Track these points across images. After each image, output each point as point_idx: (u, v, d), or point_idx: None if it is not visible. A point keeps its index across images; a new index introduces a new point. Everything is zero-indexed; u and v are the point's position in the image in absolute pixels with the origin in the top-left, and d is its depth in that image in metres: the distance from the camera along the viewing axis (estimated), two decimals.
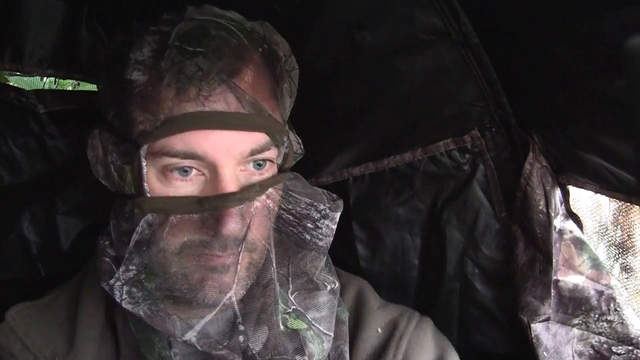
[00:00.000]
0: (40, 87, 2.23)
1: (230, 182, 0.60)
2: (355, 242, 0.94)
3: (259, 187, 0.63)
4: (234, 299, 0.62)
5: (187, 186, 0.61)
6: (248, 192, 0.61)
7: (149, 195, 0.61)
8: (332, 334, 0.69)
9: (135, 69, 0.61)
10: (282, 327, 0.64)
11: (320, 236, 0.69)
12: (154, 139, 0.59)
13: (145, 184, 0.61)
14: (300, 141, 0.75)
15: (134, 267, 0.62)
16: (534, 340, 0.80)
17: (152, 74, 0.60)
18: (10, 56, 0.81)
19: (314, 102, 0.89)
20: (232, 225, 0.60)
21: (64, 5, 0.83)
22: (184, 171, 0.60)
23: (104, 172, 0.67)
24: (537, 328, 0.80)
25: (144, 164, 0.60)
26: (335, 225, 0.70)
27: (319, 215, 0.69)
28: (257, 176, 0.64)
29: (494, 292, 0.87)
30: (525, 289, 0.82)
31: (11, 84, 1.08)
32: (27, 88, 0.90)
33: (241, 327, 0.62)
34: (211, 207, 0.59)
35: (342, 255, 0.94)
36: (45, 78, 2.37)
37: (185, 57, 0.59)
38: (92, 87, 0.97)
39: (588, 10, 0.55)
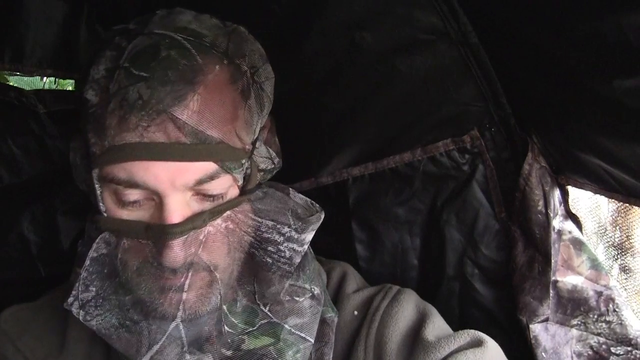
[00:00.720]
0: (40, 87, 2.23)
1: (174, 212, 0.59)
2: (355, 242, 0.94)
3: (209, 214, 0.61)
4: (181, 325, 0.61)
5: (138, 210, 0.61)
6: (193, 222, 0.59)
7: (105, 215, 0.61)
8: (312, 339, 0.67)
9: (90, 87, 0.60)
10: (229, 352, 0.63)
11: (283, 260, 0.67)
12: (101, 165, 0.59)
13: (101, 204, 0.61)
14: (272, 156, 0.70)
15: (94, 289, 0.63)
16: (533, 341, 0.80)
17: (103, 97, 0.59)
18: (10, 56, 0.81)
19: (314, 102, 0.89)
20: (171, 256, 0.58)
21: (64, 5, 0.83)
22: (132, 196, 0.60)
23: (79, 179, 0.67)
24: (536, 329, 0.80)
25: (97, 185, 0.61)
26: (304, 246, 0.68)
27: (282, 238, 0.67)
28: (210, 202, 0.62)
29: (493, 293, 0.87)
30: (524, 290, 0.82)
31: (11, 84, 1.08)
32: (27, 88, 0.90)
33: (187, 357, 0.62)
34: (154, 236, 0.59)
35: (341, 255, 0.94)
36: (45, 78, 2.37)
37: (130, 81, 0.57)
38: None
39: (587, 11, 0.55)
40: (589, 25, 0.56)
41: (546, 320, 0.80)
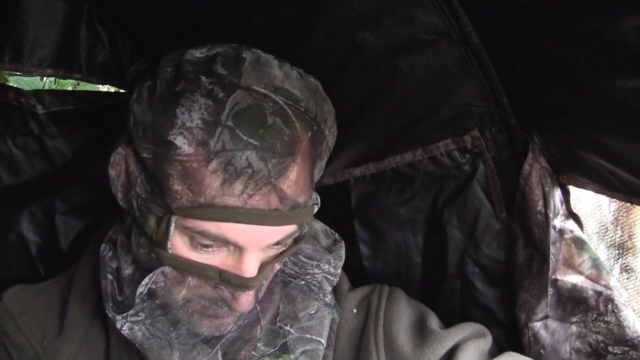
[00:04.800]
0: (40, 87, 2.23)
1: (252, 267, 0.63)
2: (358, 242, 0.95)
3: (274, 262, 0.66)
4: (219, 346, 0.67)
5: (208, 254, 0.63)
6: (265, 272, 0.64)
7: (170, 251, 0.62)
8: (324, 342, 0.72)
9: (181, 133, 0.58)
10: None
11: (315, 282, 0.74)
12: (189, 217, 0.60)
13: (169, 242, 0.62)
14: (318, 199, 0.73)
15: (142, 315, 0.65)
16: (532, 339, 0.80)
17: (199, 150, 0.58)
18: (10, 56, 0.81)
19: None
20: (246, 305, 0.64)
21: (64, 5, 0.83)
22: (210, 244, 0.62)
23: (124, 198, 0.67)
24: (536, 326, 0.80)
25: (172, 227, 0.61)
26: (336, 278, 0.76)
27: (320, 271, 0.74)
28: (275, 250, 0.66)
29: (494, 292, 0.87)
30: (522, 287, 0.82)
31: (11, 84, 1.08)
32: (27, 88, 0.90)
33: None
34: (230, 283, 0.62)
35: (345, 255, 0.94)
36: (45, 78, 2.37)
37: (237, 146, 0.57)
38: (92, 87, 0.97)
39: (588, 12, 0.55)
40: (589, 26, 0.56)
41: (545, 318, 0.80)
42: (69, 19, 0.84)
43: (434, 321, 0.76)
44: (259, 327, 0.69)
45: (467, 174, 0.87)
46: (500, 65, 0.78)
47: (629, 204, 0.87)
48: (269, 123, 0.59)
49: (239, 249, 0.62)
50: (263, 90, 0.61)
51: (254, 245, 0.61)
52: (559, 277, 0.80)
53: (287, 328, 0.71)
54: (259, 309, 0.69)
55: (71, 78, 0.90)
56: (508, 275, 0.86)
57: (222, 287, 0.63)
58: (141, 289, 0.63)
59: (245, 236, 0.60)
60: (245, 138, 0.58)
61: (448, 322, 0.88)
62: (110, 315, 0.67)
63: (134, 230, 0.67)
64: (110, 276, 0.70)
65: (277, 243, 0.65)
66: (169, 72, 0.62)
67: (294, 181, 0.61)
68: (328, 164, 0.95)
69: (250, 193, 0.58)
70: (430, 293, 0.90)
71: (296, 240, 0.69)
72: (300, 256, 0.74)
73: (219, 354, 0.67)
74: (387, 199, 0.92)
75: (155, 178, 0.61)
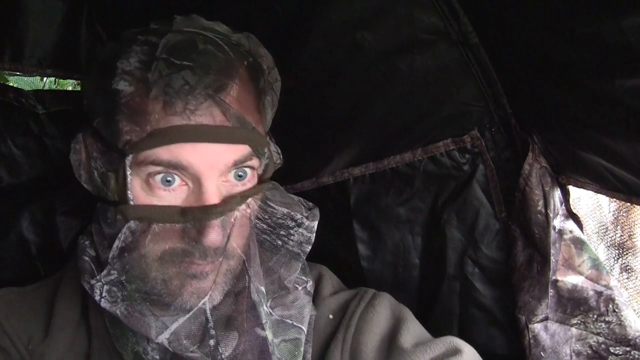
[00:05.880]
0: (40, 87, 2.23)
1: (213, 194, 0.61)
2: (357, 242, 0.95)
3: (240, 198, 0.64)
4: (207, 305, 0.63)
5: (170, 196, 0.62)
6: (230, 203, 0.62)
7: (132, 203, 0.62)
8: (305, 330, 0.69)
9: (122, 78, 0.62)
10: (254, 334, 0.65)
11: (292, 242, 0.71)
12: (140, 149, 0.60)
13: (129, 192, 0.62)
14: (279, 151, 0.75)
15: (115, 272, 0.63)
16: (532, 341, 0.80)
17: (139, 86, 0.61)
18: (10, 56, 0.81)
19: (315, 102, 0.89)
20: (213, 237, 0.61)
21: (64, 5, 0.83)
22: (167, 181, 0.61)
23: (87, 176, 0.67)
24: (536, 328, 0.80)
25: (128, 172, 0.61)
26: (313, 234, 0.71)
27: (294, 223, 0.71)
28: (239, 187, 0.65)
29: (494, 292, 0.87)
30: (523, 289, 0.82)
31: (11, 84, 1.08)
32: (27, 88, 0.90)
33: (212, 332, 0.63)
34: (194, 218, 0.61)
35: (343, 255, 0.94)
36: (45, 78, 2.37)
37: (172, 70, 0.60)
38: None
39: (587, 12, 0.55)
40: (589, 26, 0.56)
41: (545, 319, 0.80)
42: (69, 19, 0.84)
43: (405, 334, 0.69)
44: (247, 276, 0.66)
45: (467, 174, 0.87)
46: (500, 65, 0.78)
47: (629, 204, 0.87)
48: (200, 48, 0.63)
49: (198, 182, 0.61)
50: (193, 30, 0.65)
51: (210, 168, 0.61)
52: (559, 278, 0.80)
53: (267, 308, 0.68)
54: (244, 258, 0.66)
55: (71, 78, 0.90)
56: (508, 276, 0.86)
57: (188, 227, 0.61)
58: (113, 252, 0.63)
59: (197, 157, 0.60)
60: (179, 62, 0.61)
61: (447, 323, 0.88)
62: (86, 286, 0.65)
63: (102, 208, 0.67)
64: (87, 258, 0.69)
65: (238, 172, 0.64)
66: (111, 45, 0.67)
67: (236, 98, 0.62)
68: (328, 164, 0.96)
69: (192, 109, 0.60)
70: (429, 294, 0.90)
71: (260, 181, 0.69)
72: (269, 202, 0.71)
73: (207, 310, 0.63)
74: (386, 198, 0.92)
75: (107, 131, 0.63)
